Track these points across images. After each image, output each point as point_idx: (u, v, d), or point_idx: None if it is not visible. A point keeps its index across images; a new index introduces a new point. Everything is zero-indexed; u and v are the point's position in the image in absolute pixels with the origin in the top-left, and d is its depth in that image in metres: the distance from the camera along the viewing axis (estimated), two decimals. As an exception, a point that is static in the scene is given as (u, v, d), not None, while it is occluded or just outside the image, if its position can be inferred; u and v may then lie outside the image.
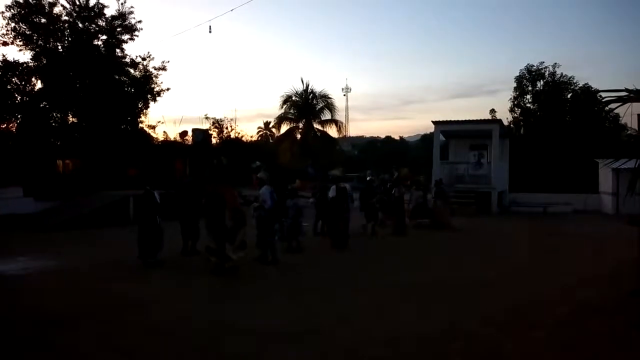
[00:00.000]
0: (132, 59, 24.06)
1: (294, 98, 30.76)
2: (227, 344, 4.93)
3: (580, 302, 6.44)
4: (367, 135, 73.94)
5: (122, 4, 23.23)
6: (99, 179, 20.21)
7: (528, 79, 30.00)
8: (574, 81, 29.23)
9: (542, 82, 29.76)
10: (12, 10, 21.34)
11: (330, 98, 31.25)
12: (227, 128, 33.30)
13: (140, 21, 23.72)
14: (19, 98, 21.83)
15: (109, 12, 23.20)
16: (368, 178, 14.39)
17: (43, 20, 21.95)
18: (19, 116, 21.91)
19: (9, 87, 21.38)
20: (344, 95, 71.79)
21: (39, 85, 22.38)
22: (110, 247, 11.16)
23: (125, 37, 23.78)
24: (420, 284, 7.49)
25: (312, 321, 5.63)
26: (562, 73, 29.43)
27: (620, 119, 27.72)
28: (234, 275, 7.96)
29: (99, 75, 22.25)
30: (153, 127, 26.69)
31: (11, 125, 22.19)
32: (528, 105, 30.48)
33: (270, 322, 5.60)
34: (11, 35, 21.58)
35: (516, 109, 30.77)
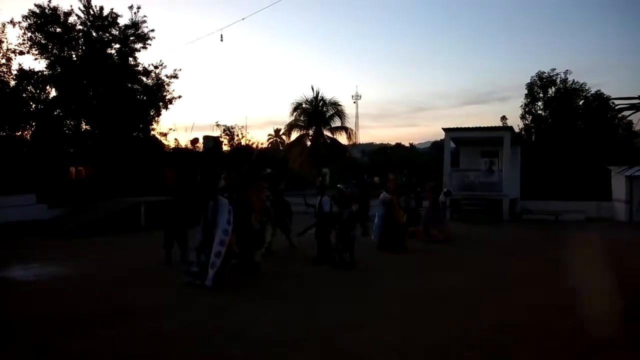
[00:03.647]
0: (144, 67, 24.40)
1: (304, 105, 30.87)
2: (234, 349, 4.94)
3: (595, 311, 6.35)
4: (377, 142, 73.75)
5: (135, 13, 23.62)
6: (111, 185, 20.44)
7: (539, 85, 29.82)
8: (586, 88, 29.05)
9: (553, 89, 29.57)
10: (28, 20, 21.79)
11: (340, 105, 31.32)
12: (237, 135, 33.52)
13: (152, 30, 24.09)
14: (33, 106, 22.19)
15: (123, 21, 23.62)
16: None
17: (58, 30, 22.35)
18: (33, 124, 22.26)
19: (24, 95, 21.76)
20: (354, 102, 71.43)
21: (53, 93, 22.78)
22: (122, 254, 11.25)
23: (138, 45, 24.14)
24: (425, 291, 7.46)
25: (320, 328, 5.63)
26: (573, 80, 29.26)
27: (634, 126, 27.48)
28: (253, 275, 8.18)
29: (112, 83, 22.57)
30: (165, 135, 26.98)
31: (26, 132, 22.56)
32: (539, 112, 30.29)
33: (279, 328, 5.60)
34: (27, 45, 22.02)
35: (527, 115, 30.60)
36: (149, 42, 24.14)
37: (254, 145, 30.79)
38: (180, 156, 27.23)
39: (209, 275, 7.34)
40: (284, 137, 41.19)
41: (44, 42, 22.17)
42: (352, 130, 32.73)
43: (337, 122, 31.30)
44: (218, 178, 8.45)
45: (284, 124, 33.23)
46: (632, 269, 9.45)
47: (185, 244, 9.66)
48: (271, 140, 56.39)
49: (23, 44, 21.94)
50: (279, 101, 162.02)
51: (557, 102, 29.01)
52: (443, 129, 21.89)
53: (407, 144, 58.10)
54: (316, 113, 30.76)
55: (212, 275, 7.34)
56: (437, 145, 47.18)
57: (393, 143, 60.29)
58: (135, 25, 23.73)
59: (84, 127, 23.53)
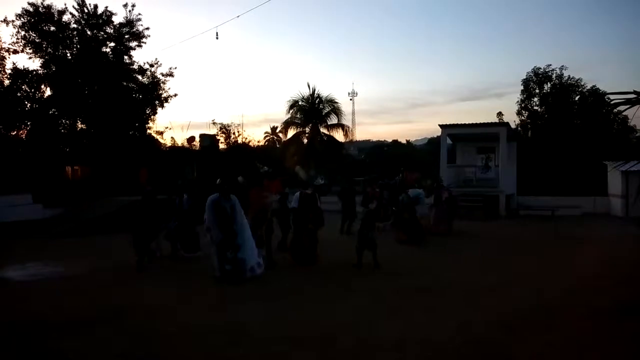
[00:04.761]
0: (139, 66, 24.31)
1: (300, 103, 30.76)
2: (234, 348, 4.95)
3: (592, 306, 6.39)
4: (374, 139, 73.78)
5: (129, 11, 23.53)
6: (107, 185, 20.36)
7: (535, 81, 29.84)
8: (582, 83, 29.06)
9: (549, 85, 29.59)
10: (22, 19, 21.67)
11: (337, 102, 31.20)
12: (234, 133, 33.47)
13: (147, 28, 24.03)
14: (28, 105, 22.09)
15: (117, 19, 23.52)
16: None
17: (52, 28, 22.23)
18: (28, 123, 22.16)
19: (19, 94, 21.65)
20: (350, 99, 71.59)
21: (48, 92, 22.67)
22: (121, 253, 11.18)
23: (133, 44, 24.04)
24: (426, 288, 7.47)
25: (320, 327, 5.64)
26: (569, 75, 29.27)
27: (629, 121, 27.64)
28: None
29: (107, 82, 22.47)
30: (161, 133, 26.89)
31: (21, 132, 22.45)
32: (535, 107, 30.32)
33: (276, 326, 5.61)
34: (21, 44, 21.92)
35: (523, 111, 30.62)
36: (144, 40, 24.08)
37: (250, 143, 30.68)
38: (176, 154, 27.14)
39: (263, 266, 8.23)
40: (280, 134, 41.06)
41: (38, 40, 22.04)
42: (348, 127, 32.61)
43: (333, 120, 31.20)
44: (234, 178, 8.57)
45: (281, 121, 33.13)
46: (630, 264, 9.50)
47: (146, 246, 9.19)
48: (268, 138, 56.30)
49: (17, 42, 21.86)
50: (275, 99, 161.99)
51: (552, 98, 29.05)
52: (439, 125, 21.91)
53: (404, 141, 58.06)
54: (312, 110, 30.66)
55: (265, 265, 8.31)
56: (433, 142, 47.22)
57: (390, 140, 60.29)
58: (130, 23, 23.63)
59: (79, 126, 23.45)
